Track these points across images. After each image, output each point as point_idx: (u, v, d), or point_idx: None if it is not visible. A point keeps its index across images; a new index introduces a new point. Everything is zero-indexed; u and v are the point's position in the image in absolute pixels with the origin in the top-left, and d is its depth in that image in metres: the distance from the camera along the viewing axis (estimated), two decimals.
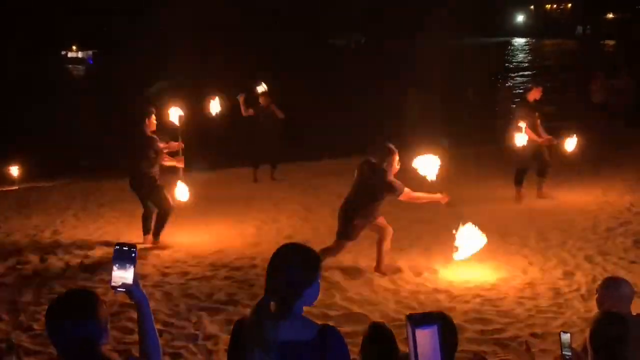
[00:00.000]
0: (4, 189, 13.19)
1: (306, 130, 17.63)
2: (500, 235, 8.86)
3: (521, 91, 23.29)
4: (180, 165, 8.83)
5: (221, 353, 5.77)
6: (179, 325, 6.40)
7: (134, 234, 9.28)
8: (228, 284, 7.40)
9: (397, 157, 7.23)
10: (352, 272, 7.64)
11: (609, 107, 16.03)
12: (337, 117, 18.75)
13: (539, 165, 10.47)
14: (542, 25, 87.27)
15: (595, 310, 4.17)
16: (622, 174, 11.68)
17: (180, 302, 6.97)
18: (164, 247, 8.71)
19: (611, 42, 62.78)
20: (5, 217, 10.53)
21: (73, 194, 12.28)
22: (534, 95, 10.24)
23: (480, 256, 8.07)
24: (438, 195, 7.28)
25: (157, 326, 6.24)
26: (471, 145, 15.60)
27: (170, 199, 8.81)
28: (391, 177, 7.20)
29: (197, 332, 6.24)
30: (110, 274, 2.74)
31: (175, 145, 8.91)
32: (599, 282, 4.12)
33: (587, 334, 3.54)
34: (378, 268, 7.60)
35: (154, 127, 8.60)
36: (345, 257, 7.85)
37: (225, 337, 6.03)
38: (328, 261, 7.52)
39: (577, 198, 10.55)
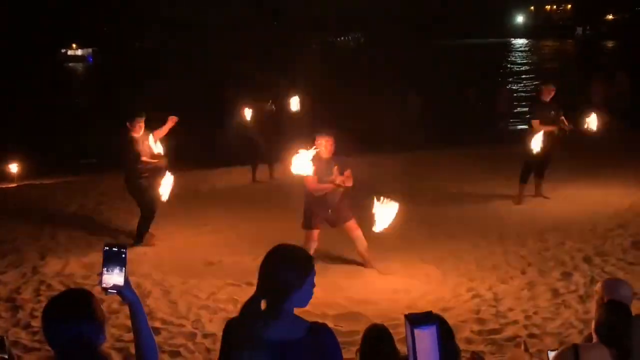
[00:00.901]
0: (4, 187, 13.18)
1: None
2: (499, 236, 8.87)
3: (521, 92, 23.33)
4: (161, 164, 8.78)
5: (219, 352, 5.77)
6: (177, 324, 6.41)
7: (133, 232, 9.29)
8: (227, 283, 7.41)
9: (321, 144, 7.23)
10: (352, 272, 7.65)
11: (609, 108, 16.05)
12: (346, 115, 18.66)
13: (541, 166, 10.45)
14: (541, 26, 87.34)
15: (593, 311, 4.17)
16: (621, 174, 11.67)
17: (179, 300, 6.98)
18: (159, 245, 8.72)
19: (611, 43, 62.81)
20: (4, 214, 10.52)
21: (72, 191, 12.27)
22: (547, 94, 10.17)
23: (478, 256, 8.10)
24: (339, 179, 7.24)
25: (156, 324, 6.28)
26: (471, 145, 15.59)
27: (153, 203, 8.80)
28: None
29: (195, 331, 6.25)
30: (101, 276, 2.70)
31: (157, 157, 8.82)
32: (597, 284, 4.12)
33: (592, 324, 3.57)
34: (370, 265, 7.65)
35: (139, 131, 8.58)
36: (345, 257, 7.85)
37: None
38: (328, 260, 7.54)
39: (576, 199, 10.55)
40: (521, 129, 10.64)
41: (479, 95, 21.02)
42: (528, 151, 10.08)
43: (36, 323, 6.23)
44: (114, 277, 2.67)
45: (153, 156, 8.68)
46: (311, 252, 7.41)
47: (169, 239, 8.98)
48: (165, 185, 8.62)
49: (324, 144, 7.28)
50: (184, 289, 7.27)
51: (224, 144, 14.71)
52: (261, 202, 10.99)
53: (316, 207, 7.46)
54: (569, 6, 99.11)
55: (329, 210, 7.45)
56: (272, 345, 2.70)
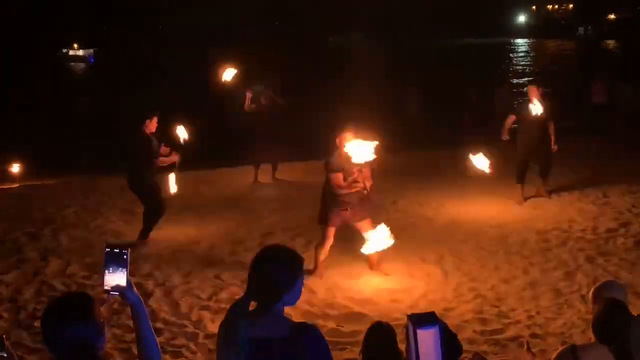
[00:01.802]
0: (5, 187, 13.18)
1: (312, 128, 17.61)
2: (501, 236, 8.86)
3: (522, 91, 23.29)
4: (175, 159, 8.81)
5: None
6: (179, 324, 6.41)
7: (134, 232, 9.29)
8: (229, 284, 7.41)
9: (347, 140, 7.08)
10: (353, 272, 7.64)
11: (610, 108, 16.05)
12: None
13: (541, 164, 10.46)
14: (543, 26, 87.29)
15: None
16: (623, 174, 11.66)
17: (181, 301, 6.97)
18: (161, 246, 8.72)
19: (612, 43, 62.77)
20: (5, 215, 10.52)
21: (73, 191, 12.26)
22: (531, 93, 10.20)
23: (480, 256, 8.09)
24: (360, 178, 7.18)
25: (158, 325, 6.28)
26: (471, 145, 15.57)
27: (161, 202, 8.85)
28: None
29: (197, 331, 6.25)
30: (103, 277, 2.69)
31: (172, 157, 8.88)
32: (599, 283, 4.10)
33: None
34: (376, 267, 7.61)
35: (153, 129, 8.64)
36: (345, 257, 7.84)
37: None
38: (328, 260, 7.53)
39: (577, 198, 10.54)
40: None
41: (481, 94, 20.99)
42: (518, 149, 10.27)
43: (38, 324, 6.23)
44: (116, 278, 2.66)
45: (165, 155, 8.75)
46: (326, 249, 7.42)
47: (170, 240, 8.98)
48: (171, 180, 8.75)
49: (347, 140, 7.04)
50: (186, 290, 7.27)
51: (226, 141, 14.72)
52: (263, 203, 10.98)
53: (334, 204, 7.35)
54: (571, 6, 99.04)
55: (347, 209, 7.37)
56: (252, 343, 2.70)
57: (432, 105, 19.65)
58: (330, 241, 7.43)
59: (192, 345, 5.96)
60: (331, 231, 7.41)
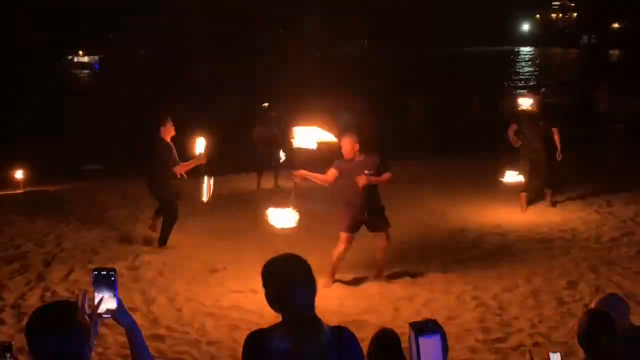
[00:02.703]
0: (9, 193, 13.22)
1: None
2: (504, 244, 8.86)
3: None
4: (202, 161, 8.76)
5: (224, 359, 5.78)
6: (182, 331, 6.41)
7: (138, 238, 9.32)
8: (232, 290, 7.41)
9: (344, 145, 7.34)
10: (356, 280, 7.64)
11: (613, 116, 16.07)
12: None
13: (546, 175, 10.45)
14: (547, 34, 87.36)
15: None
16: (626, 183, 11.65)
17: (184, 307, 6.98)
18: (164, 252, 8.74)
19: (616, 52, 62.76)
20: (9, 220, 10.54)
21: (77, 198, 12.30)
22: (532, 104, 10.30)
23: (482, 264, 8.08)
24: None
25: (161, 331, 6.29)
26: (474, 153, 15.59)
27: (176, 208, 8.94)
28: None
29: (200, 338, 6.25)
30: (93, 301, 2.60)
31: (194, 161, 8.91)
32: (603, 292, 4.10)
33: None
34: (379, 276, 7.61)
35: (170, 133, 8.71)
36: (348, 264, 7.84)
37: (228, 343, 6.04)
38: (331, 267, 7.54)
39: (581, 207, 10.53)
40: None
41: (484, 103, 21.02)
42: (520, 160, 10.35)
43: None
44: (107, 302, 2.62)
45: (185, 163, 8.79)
46: (339, 255, 7.43)
47: (174, 246, 8.99)
48: (205, 186, 8.87)
49: (345, 145, 7.31)
50: (189, 296, 7.28)
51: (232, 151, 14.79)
52: (266, 210, 10.98)
53: (349, 209, 7.40)
54: (575, 14, 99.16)
55: (365, 214, 7.39)
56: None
57: (434, 114, 19.69)
58: (342, 246, 7.46)
59: (194, 352, 5.96)
60: (345, 237, 7.45)
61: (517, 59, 64.59)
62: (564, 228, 9.47)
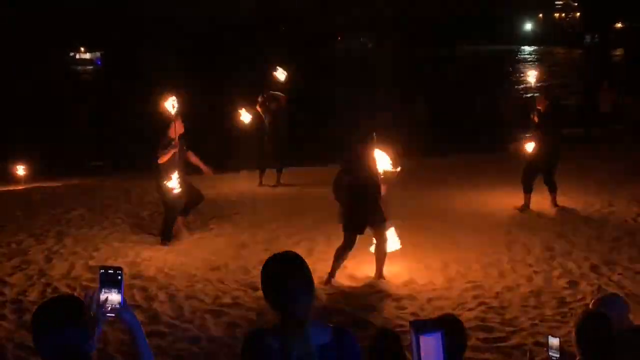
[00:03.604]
0: (11, 189, 13.23)
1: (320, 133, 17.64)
2: (505, 244, 8.84)
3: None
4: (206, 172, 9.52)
5: (223, 356, 5.78)
6: (182, 328, 6.41)
7: (139, 235, 9.32)
8: (233, 288, 7.41)
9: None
10: (357, 278, 7.63)
11: (616, 116, 16.07)
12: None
13: (544, 176, 10.44)
14: (550, 34, 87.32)
15: None
16: (629, 183, 11.64)
17: (184, 304, 6.98)
18: (165, 249, 8.76)
19: (619, 51, 62.70)
20: (11, 216, 10.56)
21: (79, 194, 12.31)
22: (539, 104, 10.25)
23: (484, 264, 8.07)
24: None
25: (161, 328, 6.29)
26: (478, 153, 15.60)
27: (174, 204, 8.98)
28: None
29: (200, 335, 6.25)
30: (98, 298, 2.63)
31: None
32: (604, 292, 4.09)
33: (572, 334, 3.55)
34: (378, 275, 7.60)
35: (178, 130, 8.88)
36: (350, 263, 7.83)
37: (228, 340, 6.04)
38: (333, 266, 7.53)
39: (583, 207, 10.52)
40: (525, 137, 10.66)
41: (486, 102, 21.04)
42: (524, 158, 10.35)
43: None
44: (111, 300, 2.61)
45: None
46: (342, 254, 7.42)
47: (174, 243, 8.99)
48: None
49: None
50: (189, 293, 7.27)
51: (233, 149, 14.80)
52: (267, 207, 11.00)
53: (358, 205, 7.34)
54: (578, 14, 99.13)
55: (371, 215, 7.37)
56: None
57: (439, 113, 19.69)
58: (349, 248, 7.46)
59: (195, 349, 5.96)
60: (354, 237, 7.45)
61: (521, 58, 64.52)
62: (566, 227, 9.45)
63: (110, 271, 2.63)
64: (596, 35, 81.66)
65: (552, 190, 10.45)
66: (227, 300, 7.07)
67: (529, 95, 23.01)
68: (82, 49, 67.26)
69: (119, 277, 2.62)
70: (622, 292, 6.32)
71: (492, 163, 14.15)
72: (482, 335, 6.14)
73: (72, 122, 23.12)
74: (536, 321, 6.41)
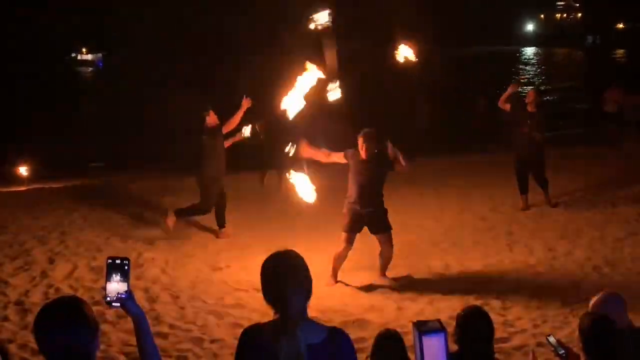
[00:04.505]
0: (14, 190, 13.24)
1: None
2: (507, 244, 8.85)
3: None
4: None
5: (226, 357, 5.78)
6: (185, 329, 6.42)
7: (142, 235, 9.32)
8: (235, 289, 7.42)
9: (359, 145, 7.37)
10: (359, 279, 7.64)
11: (619, 117, 16.02)
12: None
13: (534, 175, 10.46)
14: (551, 35, 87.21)
15: None
16: (631, 183, 11.62)
17: (187, 305, 6.99)
18: (168, 250, 8.76)
19: (621, 52, 62.64)
20: (14, 217, 10.56)
21: (81, 195, 12.31)
22: (529, 97, 10.44)
23: (486, 264, 8.08)
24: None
25: (164, 329, 6.30)
26: (479, 153, 15.58)
27: (209, 202, 9.23)
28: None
29: (203, 336, 6.26)
30: (105, 288, 2.70)
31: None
32: (598, 296, 4.09)
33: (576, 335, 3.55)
34: (381, 278, 7.60)
35: (214, 122, 9.09)
36: (351, 264, 7.84)
37: (231, 341, 6.04)
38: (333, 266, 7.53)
39: (585, 208, 10.51)
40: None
41: (489, 103, 21.01)
42: (512, 159, 10.50)
43: None
44: (118, 290, 2.67)
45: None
46: (340, 255, 7.42)
47: (177, 244, 9.00)
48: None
49: (360, 145, 7.33)
50: (192, 294, 7.29)
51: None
52: (269, 208, 11.00)
53: (350, 207, 7.39)
54: (579, 15, 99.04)
55: (365, 210, 7.35)
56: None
57: (440, 114, 19.68)
58: (346, 248, 7.45)
59: (197, 350, 5.97)
60: (347, 237, 7.43)
61: (522, 59, 64.47)
62: (568, 228, 9.45)
63: (117, 261, 2.69)
64: (598, 36, 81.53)
65: (544, 187, 10.48)
66: (230, 301, 7.08)
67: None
68: (84, 50, 67.38)
69: (126, 267, 2.68)
70: (625, 293, 6.31)
71: (492, 163, 14.13)
72: None
73: (72, 123, 23.13)
74: (538, 322, 6.42)
